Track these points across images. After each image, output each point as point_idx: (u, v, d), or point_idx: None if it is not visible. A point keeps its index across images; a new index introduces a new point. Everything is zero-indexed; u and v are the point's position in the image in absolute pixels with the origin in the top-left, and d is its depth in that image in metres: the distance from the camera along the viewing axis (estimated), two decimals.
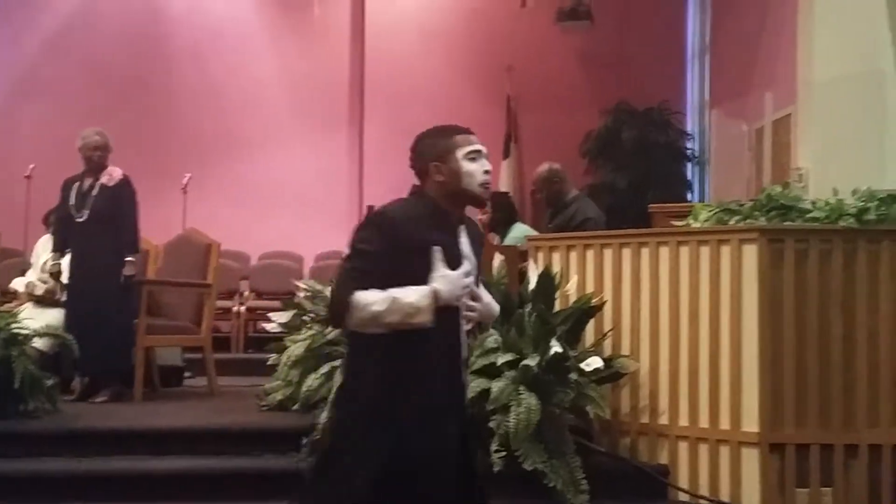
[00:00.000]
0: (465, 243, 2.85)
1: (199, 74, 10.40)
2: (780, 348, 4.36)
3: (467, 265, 2.78)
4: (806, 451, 4.35)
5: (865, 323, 4.37)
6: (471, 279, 2.79)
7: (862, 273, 4.39)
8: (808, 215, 4.45)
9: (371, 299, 2.66)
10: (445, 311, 2.73)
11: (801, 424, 4.35)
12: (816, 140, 6.35)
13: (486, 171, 2.85)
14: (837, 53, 6.43)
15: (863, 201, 4.44)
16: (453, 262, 2.76)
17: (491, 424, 4.39)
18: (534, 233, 6.27)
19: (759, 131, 7.84)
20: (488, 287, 3.20)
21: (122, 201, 5.80)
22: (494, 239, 6.75)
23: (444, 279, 2.69)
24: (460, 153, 2.84)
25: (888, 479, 4.33)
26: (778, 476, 4.32)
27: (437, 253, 2.71)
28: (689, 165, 10.19)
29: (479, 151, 2.86)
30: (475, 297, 2.82)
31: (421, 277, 2.70)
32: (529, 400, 4.36)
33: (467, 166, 2.83)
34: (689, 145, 10.16)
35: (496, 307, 2.97)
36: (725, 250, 4.51)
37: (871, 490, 4.33)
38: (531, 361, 4.44)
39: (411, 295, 2.67)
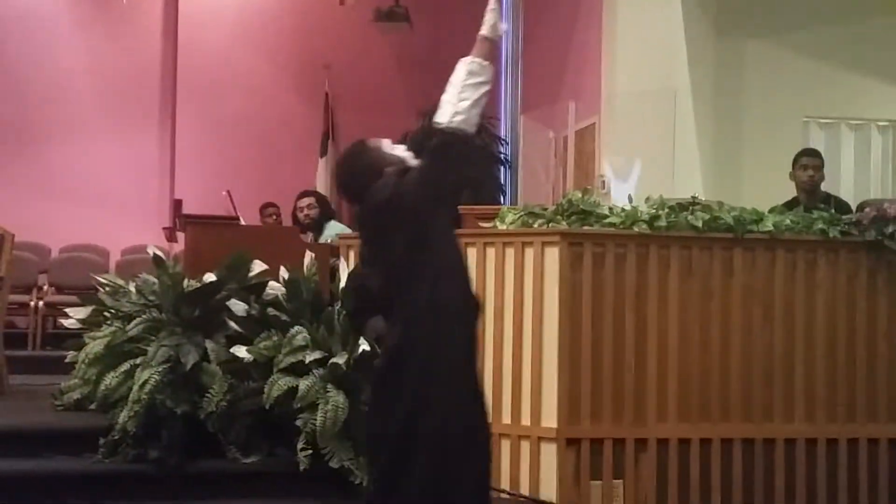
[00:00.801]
0: None
1: None
2: (578, 347, 4.55)
3: None
4: (600, 445, 4.55)
5: (656, 323, 4.61)
6: None
7: (653, 276, 4.64)
8: (606, 220, 4.66)
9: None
10: None
11: (596, 420, 4.55)
12: (617, 150, 6.68)
13: None
14: (637, 69, 6.79)
15: (655, 209, 4.70)
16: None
17: (298, 423, 4.38)
18: (348, 231, 6.28)
19: (565, 139, 8.15)
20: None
21: None
22: (308, 237, 6.72)
23: None
24: None
25: (674, 470, 4.60)
26: (574, 469, 4.50)
27: None
28: (503, 170, 10.44)
29: None
30: None
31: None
32: (337, 398, 4.38)
33: None
34: (503, 150, 10.41)
35: None
36: (529, 252, 4.66)
37: (659, 482, 4.58)
38: (340, 359, 4.46)
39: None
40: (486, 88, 3.05)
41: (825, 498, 4.70)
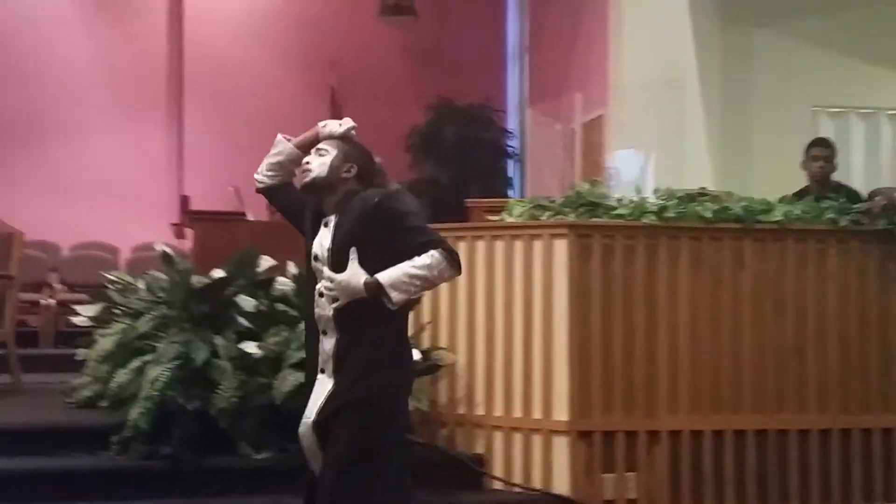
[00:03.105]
0: (325, 231, 3.07)
1: (5, 57, 9.84)
2: (587, 340, 4.54)
3: (314, 252, 3.06)
4: (612, 437, 4.54)
5: (666, 314, 4.60)
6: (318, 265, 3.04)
7: (663, 267, 4.62)
8: (614, 212, 4.65)
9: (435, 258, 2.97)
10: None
11: (608, 413, 4.54)
12: (624, 141, 6.66)
13: (306, 162, 3.12)
14: (644, 59, 6.77)
15: (663, 199, 4.68)
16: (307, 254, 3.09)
17: None
18: None
19: (572, 131, 8.14)
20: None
21: None
22: None
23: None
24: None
25: (687, 462, 4.59)
26: (586, 462, 4.49)
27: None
28: (510, 162, 10.45)
29: (318, 149, 3.14)
30: (328, 278, 2.96)
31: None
32: None
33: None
34: (510, 142, 10.41)
35: (354, 281, 2.92)
36: (537, 245, 4.64)
37: (672, 474, 4.57)
38: None
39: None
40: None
41: (839, 488, 4.68)
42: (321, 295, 2.99)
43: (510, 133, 10.45)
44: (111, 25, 10.13)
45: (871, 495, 4.69)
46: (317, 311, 3.05)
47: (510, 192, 10.02)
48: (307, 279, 3.15)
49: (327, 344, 3.02)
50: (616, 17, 7.00)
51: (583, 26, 7.97)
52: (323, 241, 3.05)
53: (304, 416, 3.13)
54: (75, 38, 10.06)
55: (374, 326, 2.97)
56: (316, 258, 3.04)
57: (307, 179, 3.08)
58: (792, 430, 4.66)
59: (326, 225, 3.08)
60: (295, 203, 3.22)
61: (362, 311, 2.94)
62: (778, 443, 4.65)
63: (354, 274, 2.91)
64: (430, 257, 2.90)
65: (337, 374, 3.00)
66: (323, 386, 3.05)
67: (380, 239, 2.96)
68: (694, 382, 4.62)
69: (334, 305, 2.96)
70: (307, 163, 3.10)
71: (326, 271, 2.95)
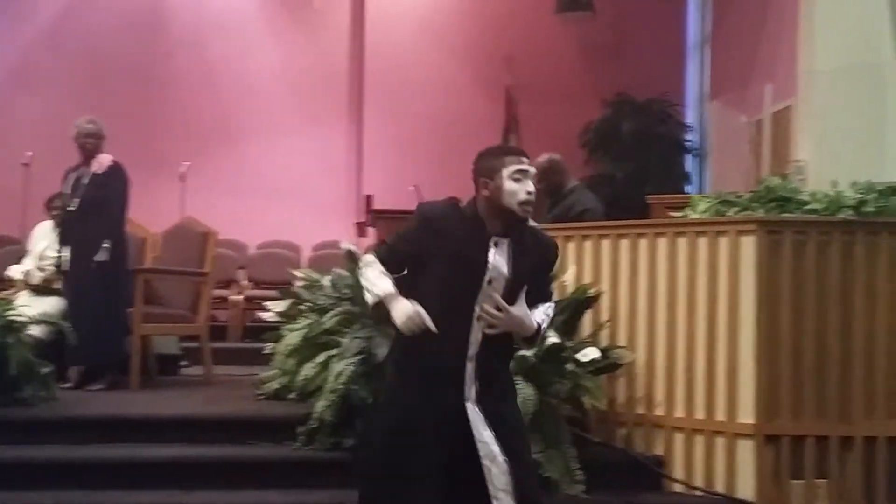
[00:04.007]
0: (496, 254, 3.09)
1: (198, 63, 10.38)
2: (776, 340, 4.36)
3: (489, 275, 3.06)
4: (801, 442, 4.35)
5: (863, 315, 4.37)
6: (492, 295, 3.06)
7: (860, 265, 4.39)
8: (807, 207, 4.45)
9: (365, 259, 3.25)
10: (455, 314, 3.06)
11: (797, 416, 4.36)
12: (816, 132, 6.34)
13: (528, 192, 3.10)
14: (838, 45, 6.43)
15: (861, 193, 4.44)
16: (473, 269, 3.06)
17: None
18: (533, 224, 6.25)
19: (759, 123, 7.83)
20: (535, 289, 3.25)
21: (108, 189, 5.75)
22: None
23: (400, 308, 3.04)
24: (506, 172, 3.11)
25: (883, 470, 4.34)
26: (773, 468, 4.33)
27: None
28: (688, 157, 10.18)
29: (524, 171, 3.12)
30: (500, 308, 3.04)
31: (432, 272, 3.08)
32: (526, 390, 4.35)
33: (510, 185, 3.09)
34: (688, 137, 10.15)
35: (529, 322, 3.11)
36: (723, 242, 4.50)
37: (866, 482, 4.34)
38: (528, 352, 4.44)
39: (380, 284, 3.11)
40: None
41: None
42: (478, 318, 3.08)
43: (689, 127, 10.18)
44: (296, 32, 10.51)
45: None
46: (452, 327, 3.06)
47: (688, 189, 9.76)
48: (450, 286, 3.10)
49: (461, 360, 3.09)
50: (807, 2, 6.67)
51: (771, 14, 7.66)
52: (499, 265, 3.09)
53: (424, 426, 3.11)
54: (263, 45, 10.50)
55: (510, 355, 3.28)
56: (490, 282, 3.07)
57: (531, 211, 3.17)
58: None
59: (497, 245, 3.10)
60: (412, 254, 3.20)
61: (508, 341, 3.16)
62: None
63: (527, 314, 3.11)
64: (551, 308, 3.24)
65: (486, 395, 3.11)
66: (452, 399, 3.10)
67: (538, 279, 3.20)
68: (891, 386, 4.37)
69: (488, 331, 3.08)
70: (530, 192, 3.12)
71: (499, 300, 3.06)
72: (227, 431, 4.72)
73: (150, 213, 6.54)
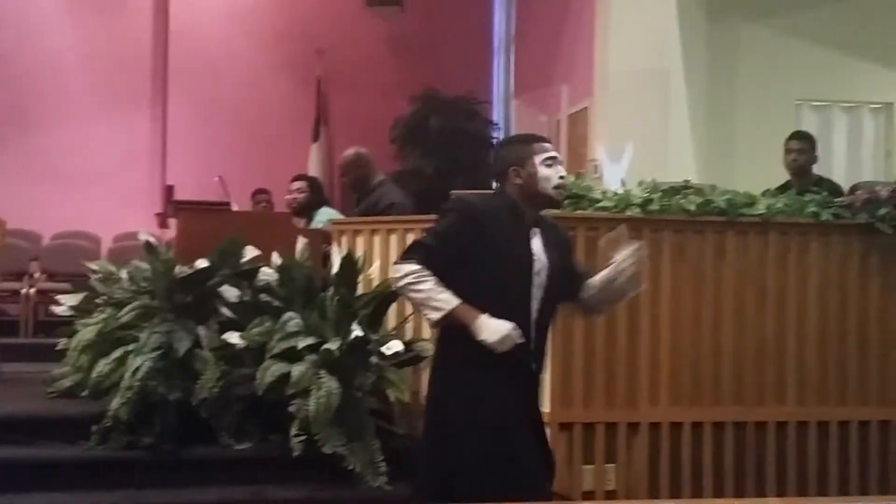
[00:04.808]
0: (537, 243, 3.16)
1: None
2: (570, 332, 4.53)
3: (536, 265, 3.12)
4: (592, 429, 4.55)
5: (648, 307, 4.61)
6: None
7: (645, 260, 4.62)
8: (599, 205, 4.65)
9: (405, 270, 3.06)
10: (514, 311, 3.05)
11: (589, 404, 4.56)
12: (609, 133, 6.66)
13: (561, 177, 3.18)
14: (630, 50, 6.76)
15: (647, 192, 4.68)
16: (522, 259, 3.10)
17: (291, 409, 4.38)
18: (340, 217, 6.27)
19: (558, 123, 8.13)
20: (580, 278, 3.41)
21: None
22: (300, 223, 6.70)
23: (487, 325, 2.99)
24: (538, 159, 3.17)
25: (666, 454, 4.60)
26: (566, 454, 4.50)
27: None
28: None
29: (554, 158, 3.20)
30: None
31: (481, 269, 3.05)
32: (330, 384, 4.37)
33: (543, 171, 3.16)
34: (495, 134, 10.40)
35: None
36: None
37: (651, 465, 4.59)
38: (332, 345, 4.45)
39: (443, 297, 3.01)
40: None
41: (815, 480, 4.71)
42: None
43: (496, 125, 10.44)
44: (96, 15, 10.06)
45: (846, 489, 4.72)
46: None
47: (495, 185, 10.00)
48: (504, 282, 3.11)
49: (526, 355, 3.15)
50: (603, 8, 6.98)
51: (569, 17, 7.96)
52: (541, 254, 3.17)
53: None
54: (60, 27, 9.99)
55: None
56: (538, 272, 3.14)
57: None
58: (770, 423, 4.69)
59: (534, 234, 3.18)
60: (455, 253, 3.15)
61: (547, 331, 3.26)
62: (756, 435, 4.68)
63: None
64: None
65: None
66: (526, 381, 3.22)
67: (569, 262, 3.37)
68: (674, 375, 4.63)
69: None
70: (562, 177, 3.21)
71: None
72: (15, 431, 4.51)
73: None
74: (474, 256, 3.06)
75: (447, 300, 3.01)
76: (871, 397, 4.80)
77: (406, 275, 3.06)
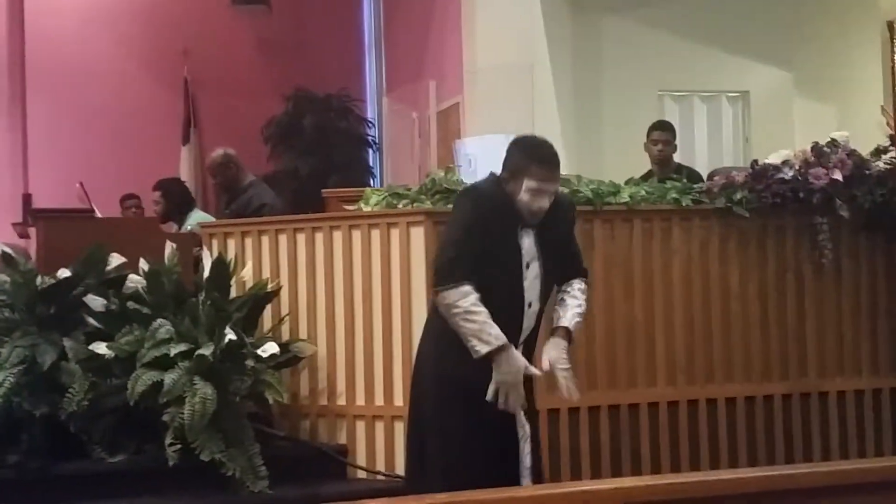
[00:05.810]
0: (525, 237, 3.26)
1: None
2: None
3: (526, 259, 3.25)
4: None
5: None
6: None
7: None
8: None
9: (454, 298, 3.13)
10: (510, 304, 3.22)
11: None
12: (478, 127, 6.73)
13: (540, 207, 3.24)
14: (496, 45, 6.85)
15: None
16: (512, 254, 3.21)
17: (165, 418, 4.29)
18: (211, 219, 6.17)
19: (428, 119, 8.18)
20: (566, 259, 3.48)
21: None
22: (172, 227, 6.57)
23: (510, 364, 3.14)
24: (526, 184, 3.23)
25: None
26: None
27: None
28: (371, 152, 10.42)
29: (541, 191, 3.23)
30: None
31: (494, 260, 3.16)
32: (205, 390, 4.30)
33: (524, 196, 3.23)
34: (369, 132, 10.38)
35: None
36: (395, 233, 4.67)
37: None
38: (206, 350, 4.38)
39: (494, 332, 3.09)
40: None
41: (688, 458, 4.88)
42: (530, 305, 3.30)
43: (370, 123, 10.43)
44: None
45: (698, 465, 4.87)
46: (511, 320, 3.25)
47: (372, 182, 9.99)
48: (499, 276, 3.23)
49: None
50: (468, 4, 7.04)
51: (436, 14, 8.01)
52: (530, 247, 3.29)
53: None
54: None
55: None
56: (528, 266, 3.25)
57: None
58: (643, 404, 4.83)
59: (524, 227, 3.29)
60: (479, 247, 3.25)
61: (538, 327, 3.43)
62: (630, 417, 4.81)
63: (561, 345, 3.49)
64: (583, 296, 3.57)
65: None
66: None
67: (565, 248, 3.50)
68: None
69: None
70: (541, 208, 3.26)
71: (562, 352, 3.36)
72: None
73: None
74: (480, 245, 3.21)
75: (497, 336, 3.12)
76: (736, 374, 5.00)
77: (457, 302, 3.14)
